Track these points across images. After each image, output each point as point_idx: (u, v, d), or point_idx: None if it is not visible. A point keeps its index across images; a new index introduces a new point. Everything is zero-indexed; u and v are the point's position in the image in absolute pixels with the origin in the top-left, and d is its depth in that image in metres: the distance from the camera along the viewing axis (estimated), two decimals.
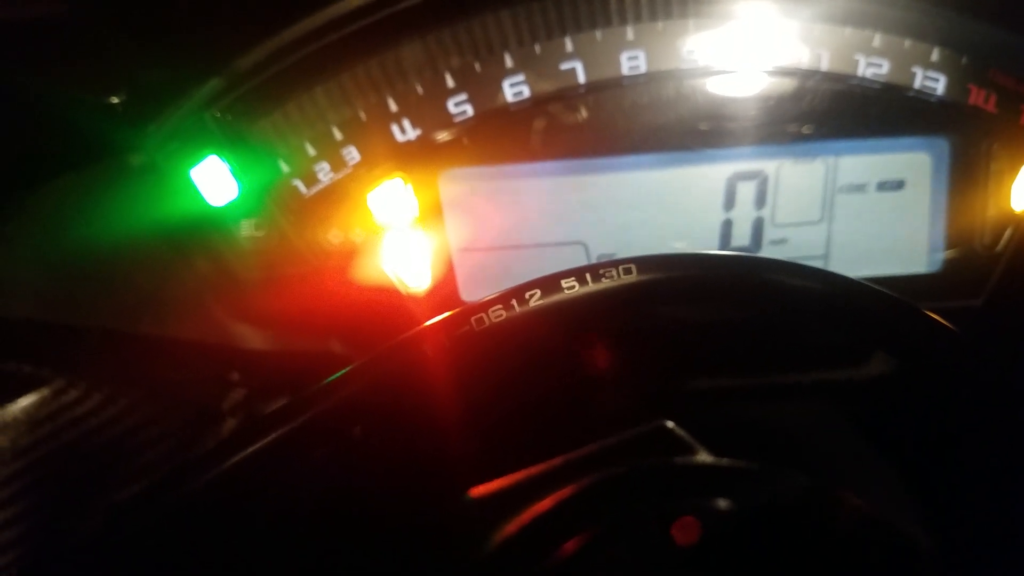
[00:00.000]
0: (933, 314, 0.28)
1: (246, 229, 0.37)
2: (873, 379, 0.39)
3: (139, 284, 0.42)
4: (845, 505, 0.25)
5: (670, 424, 0.25)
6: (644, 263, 0.26)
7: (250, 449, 0.28)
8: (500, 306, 0.26)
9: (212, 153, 0.35)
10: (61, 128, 0.41)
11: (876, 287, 0.27)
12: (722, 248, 0.38)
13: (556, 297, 0.26)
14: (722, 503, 0.23)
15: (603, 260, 0.38)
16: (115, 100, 0.39)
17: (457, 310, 0.26)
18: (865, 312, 0.27)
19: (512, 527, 0.22)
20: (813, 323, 0.30)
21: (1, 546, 0.42)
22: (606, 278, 0.26)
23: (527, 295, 0.26)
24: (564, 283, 0.26)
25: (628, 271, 0.26)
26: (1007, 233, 0.38)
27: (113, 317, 0.42)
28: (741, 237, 0.38)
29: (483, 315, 0.26)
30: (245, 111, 0.36)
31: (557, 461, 0.24)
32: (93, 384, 0.43)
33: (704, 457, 0.23)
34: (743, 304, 0.28)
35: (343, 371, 0.27)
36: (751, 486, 0.24)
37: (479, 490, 0.24)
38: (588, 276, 0.26)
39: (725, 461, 0.23)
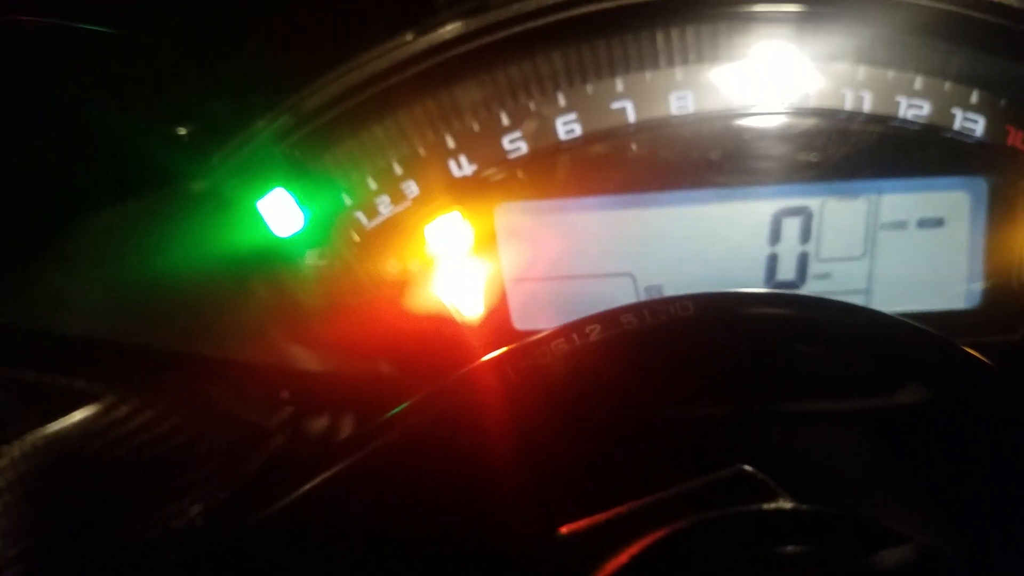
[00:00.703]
0: (969, 350, 0.29)
1: (310, 259, 0.39)
2: (905, 407, 0.40)
3: (197, 307, 0.43)
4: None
5: (749, 468, 0.26)
6: (700, 300, 0.28)
7: (319, 479, 0.30)
8: (562, 339, 0.28)
9: (279, 185, 0.37)
10: (126, 154, 0.43)
11: (915, 323, 0.28)
12: (767, 281, 0.40)
13: (616, 331, 0.28)
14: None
15: (651, 290, 0.39)
16: (182, 131, 0.42)
17: (522, 343, 0.28)
18: (903, 347, 0.29)
19: (606, 569, 0.23)
20: (856, 357, 0.31)
21: (50, 554, 0.44)
22: (664, 315, 0.28)
23: (587, 330, 0.28)
24: (623, 319, 0.28)
25: (685, 308, 0.28)
26: None
27: (170, 337, 0.44)
28: (786, 271, 0.40)
29: (546, 348, 0.27)
30: (311, 146, 0.37)
31: (645, 502, 0.25)
32: (145, 401, 0.45)
33: (786, 503, 0.24)
34: (792, 339, 0.29)
35: (407, 403, 0.28)
36: (834, 532, 0.24)
37: (570, 528, 0.26)
38: (647, 312, 0.28)
39: (807, 507, 0.24)
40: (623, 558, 0.22)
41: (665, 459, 0.31)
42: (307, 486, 0.31)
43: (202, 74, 0.42)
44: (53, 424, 0.44)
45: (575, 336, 0.28)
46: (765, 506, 0.24)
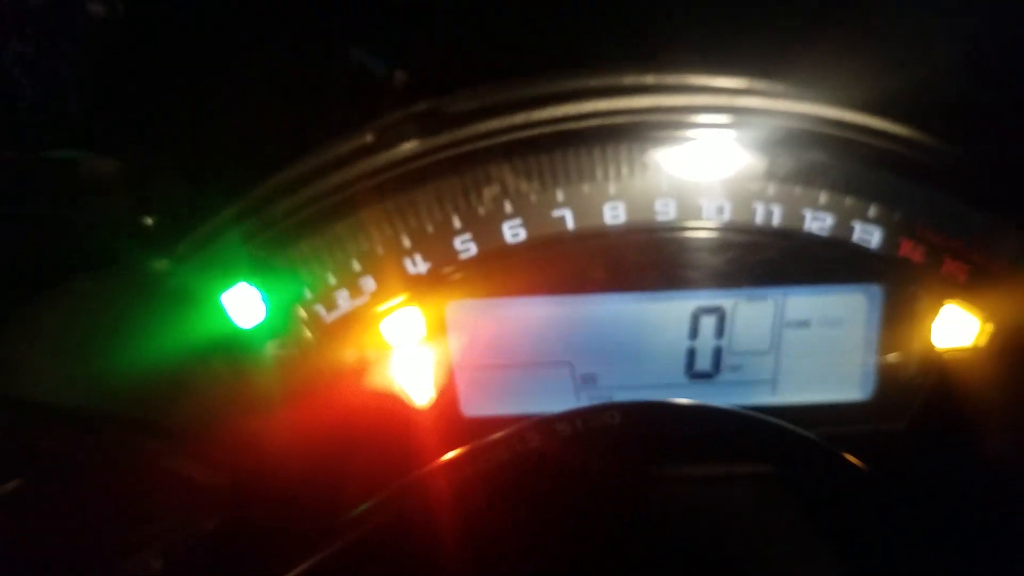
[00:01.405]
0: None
1: (270, 348, 0.42)
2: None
3: (155, 382, 0.45)
4: None
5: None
6: (626, 409, 0.32)
7: None
8: (504, 447, 0.31)
9: (242, 280, 0.40)
10: (94, 237, 0.45)
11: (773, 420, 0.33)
12: (687, 371, 0.44)
13: (550, 439, 0.31)
14: None
15: (587, 377, 0.44)
16: (148, 221, 0.44)
17: (463, 450, 0.31)
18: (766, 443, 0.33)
19: None
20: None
21: None
22: (593, 420, 0.32)
23: (525, 438, 0.32)
24: (558, 427, 0.32)
25: (613, 417, 0.32)
26: (928, 364, 0.44)
27: (128, 407, 0.46)
28: (703, 363, 0.44)
29: (488, 456, 0.31)
30: (274, 243, 0.40)
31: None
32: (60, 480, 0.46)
33: None
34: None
35: (368, 505, 0.32)
36: None
37: None
38: (579, 421, 0.32)
39: None
40: None
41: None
42: None
43: (165, 169, 0.44)
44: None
45: (515, 443, 0.31)
46: None
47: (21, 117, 0.44)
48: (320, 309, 0.41)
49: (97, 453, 0.46)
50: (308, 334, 0.41)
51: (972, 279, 0.43)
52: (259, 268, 0.40)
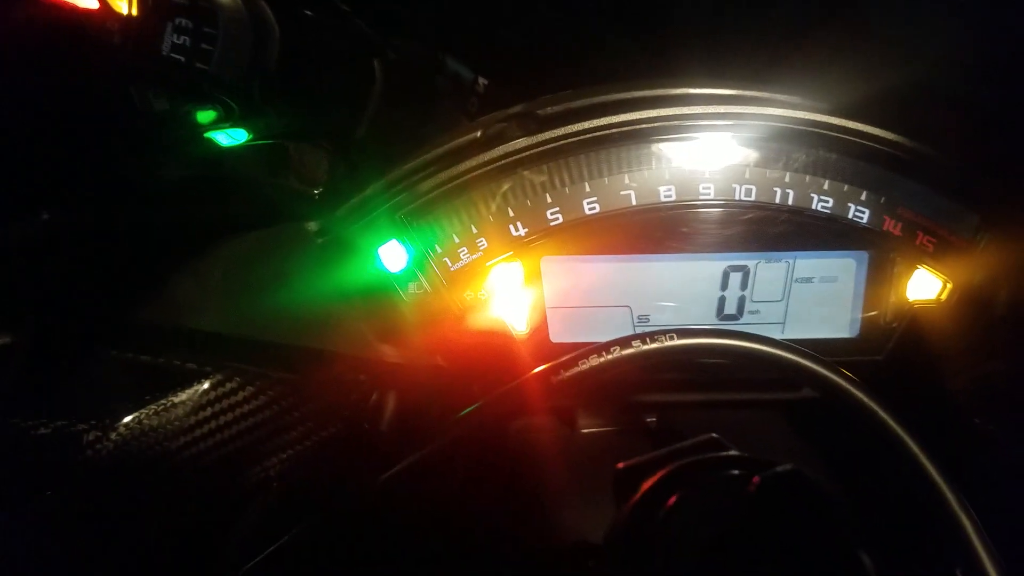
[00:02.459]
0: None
1: (410, 288, 0.56)
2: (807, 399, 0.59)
3: (309, 315, 0.58)
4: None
5: (715, 435, 0.43)
6: (680, 332, 0.45)
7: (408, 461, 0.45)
8: (596, 355, 0.45)
9: (394, 237, 0.54)
10: (267, 201, 0.58)
11: (806, 350, 0.45)
12: (718, 314, 0.58)
13: (628, 351, 0.45)
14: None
15: (642, 317, 0.57)
16: (316, 192, 0.57)
17: (569, 356, 0.45)
18: (800, 366, 0.46)
19: (639, 494, 0.39)
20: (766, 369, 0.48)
21: (169, 508, 0.58)
22: (657, 341, 0.45)
23: (611, 348, 0.45)
24: (634, 343, 0.45)
25: (671, 337, 0.45)
26: (902, 313, 0.58)
27: (280, 336, 0.59)
28: (730, 308, 0.57)
29: (588, 359, 0.45)
30: (415, 211, 0.54)
31: (659, 453, 0.42)
32: (246, 379, 0.60)
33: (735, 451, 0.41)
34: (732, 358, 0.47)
35: (481, 402, 0.45)
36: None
37: (623, 464, 0.42)
38: (647, 339, 0.45)
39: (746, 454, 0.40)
40: (651, 482, 0.39)
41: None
42: (410, 460, 0.47)
43: (330, 153, 0.57)
44: (170, 396, 0.59)
45: (604, 352, 0.45)
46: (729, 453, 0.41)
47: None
48: (447, 260, 0.55)
49: (242, 373, 0.59)
50: (438, 278, 0.55)
51: (938, 249, 0.55)
52: (405, 229, 0.54)
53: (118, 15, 0.40)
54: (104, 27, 0.40)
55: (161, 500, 0.58)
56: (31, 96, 0.44)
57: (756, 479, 0.33)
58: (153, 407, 0.57)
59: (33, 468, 0.56)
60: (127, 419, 0.56)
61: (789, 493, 0.33)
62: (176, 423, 0.57)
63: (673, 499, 0.36)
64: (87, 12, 0.39)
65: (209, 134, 0.48)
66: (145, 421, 0.57)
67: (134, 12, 0.40)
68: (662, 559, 0.35)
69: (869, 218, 0.55)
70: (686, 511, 0.35)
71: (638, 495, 0.38)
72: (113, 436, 0.56)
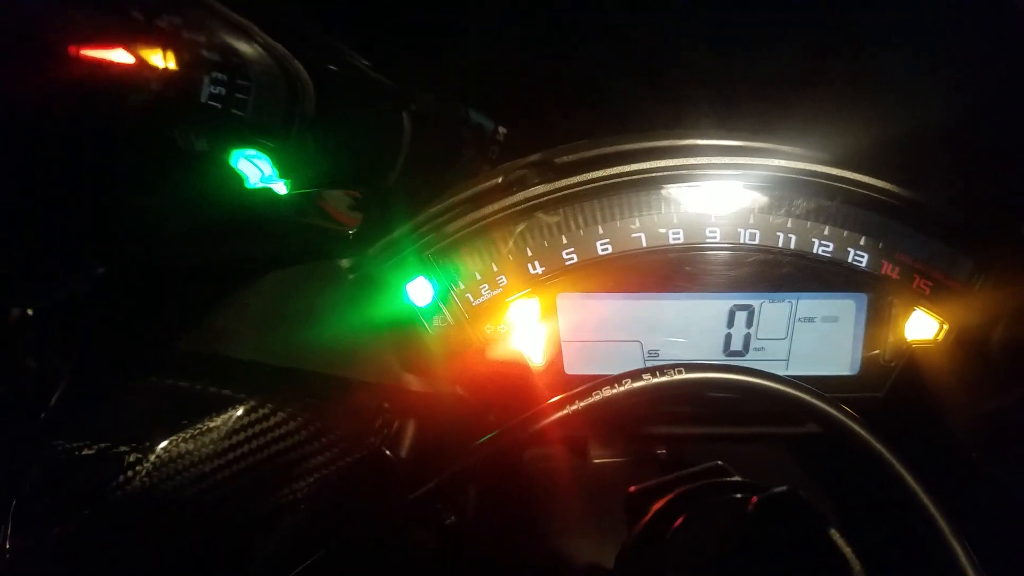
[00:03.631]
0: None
1: (434, 321, 0.59)
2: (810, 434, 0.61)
3: (338, 347, 0.62)
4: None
5: (720, 463, 0.46)
6: (689, 367, 0.48)
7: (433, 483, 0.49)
8: (608, 387, 0.48)
9: (421, 274, 0.58)
10: (300, 240, 0.62)
11: (809, 386, 0.48)
12: (724, 350, 0.61)
13: (639, 384, 0.48)
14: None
15: (652, 352, 0.60)
16: (351, 232, 0.61)
17: (583, 388, 0.48)
18: (803, 401, 0.49)
19: (648, 515, 0.42)
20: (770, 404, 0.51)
21: (200, 529, 0.61)
22: (667, 375, 0.48)
23: (623, 380, 0.48)
24: (644, 376, 0.48)
25: (679, 371, 0.48)
26: (901, 352, 0.60)
27: (311, 364, 0.62)
28: (736, 345, 0.61)
29: (600, 390, 0.48)
30: (442, 251, 0.58)
31: (670, 477, 0.45)
32: (278, 405, 0.63)
33: (739, 478, 0.44)
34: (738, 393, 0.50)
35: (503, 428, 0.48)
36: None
37: (636, 488, 0.45)
38: (657, 372, 0.48)
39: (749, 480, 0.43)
40: (660, 504, 0.42)
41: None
42: (434, 483, 0.50)
43: (363, 197, 0.62)
44: (206, 421, 0.62)
45: (616, 384, 0.48)
46: (733, 479, 0.44)
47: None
48: (469, 296, 0.59)
49: (273, 400, 0.62)
50: (461, 312, 0.59)
51: (935, 291, 0.59)
52: (430, 266, 0.58)
53: (155, 68, 0.44)
54: (143, 77, 0.44)
55: (192, 521, 0.61)
56: (78, 147, 0.48)
57: (754, 499, 0.36)
58: (190, 431, 0.60)
59: (75, 488, 0.59)
60: (164, 443, 0.59)
61: (785, 512, 0.36)
62: (211, 447, 0.61)
63: (680, 520, 0.39)
64: (125, 67, 0.43)
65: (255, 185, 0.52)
66: (181, 444, 0.60)
67: (171, 66, 0.44)
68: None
69: (868, 262, 0.59)
70: (692, 530, 0.38)
71: (648, 516, 0.41)
72: (151, 458, 0.59)
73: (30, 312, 0.49)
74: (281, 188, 0.53)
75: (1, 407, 0.57)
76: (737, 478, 0.44)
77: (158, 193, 0.52)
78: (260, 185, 0.51)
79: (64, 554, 0.57)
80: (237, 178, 0.52)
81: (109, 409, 0.61)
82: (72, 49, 0.41)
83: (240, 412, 0.62)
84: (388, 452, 0.68)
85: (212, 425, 0.62)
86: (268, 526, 0.64)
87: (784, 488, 0.38)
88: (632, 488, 0.45)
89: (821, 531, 0.36)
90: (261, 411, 0.63)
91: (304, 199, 0.61)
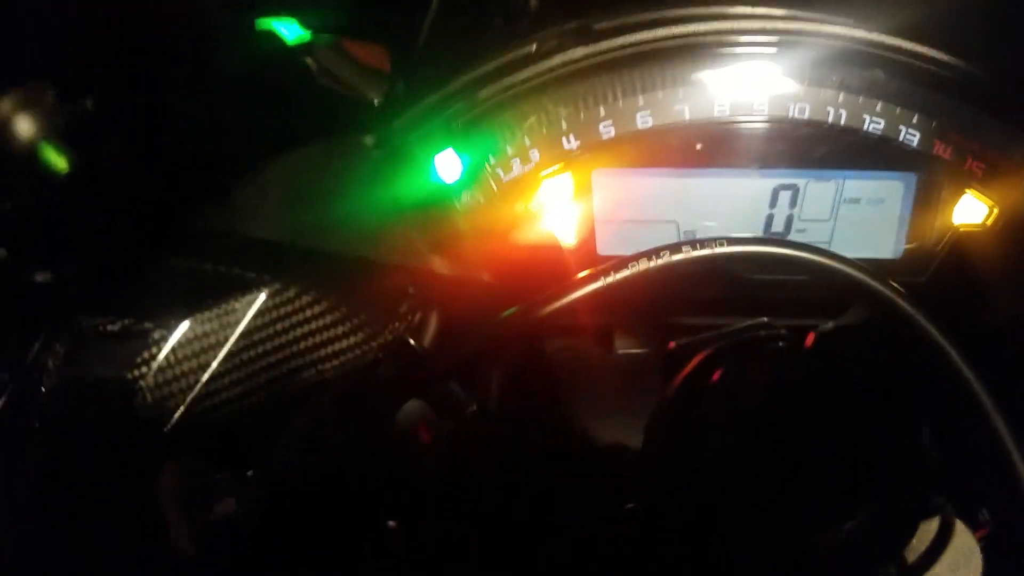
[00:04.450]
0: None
1: (463, 198, 0.57)
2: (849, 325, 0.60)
3: (363, 225, 0.60)
4: None
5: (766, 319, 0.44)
6: (731, 240, 0.46)
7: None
8: (645, 259, 0.46)
9: (449, 146, 0.55)
10: (326, 111, 0.60)
11: (858, 263, 0.46)
12: (765, 232, 0.59)
13: (678, 256, 0.46)
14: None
15: (688, 233, 0.58)
16: (376, 100, 0.59)
17: (618, 260, 0.46)
18: (852, 277, 0.47)
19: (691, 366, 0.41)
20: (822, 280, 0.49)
21: (226, 407, 0.61)
22: (708, 247, 0.46)
23: (662, 253, 0.46)
24: (684, 248, 0.46)
25: (721, 244, 0.46)
26: (946, 236, 0.58)
27: (335, 246, 0.61)
28: (778, 226, 0.58)
29: (640, 261, 0.46)
30: (470, 122, 0.55)
31: (712, 333, 0.43)
32: (303, 288, 0.62)
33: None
34: (783, 267, 0.48)
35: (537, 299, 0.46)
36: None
37: (675, 343, 0.44)
38: (698, 245, 0.46)
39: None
40: (703, 358, 0.41)
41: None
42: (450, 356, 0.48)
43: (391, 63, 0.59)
44: (231, 302, 0.61)
45: (654, 256, 0.46)
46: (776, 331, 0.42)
47: None
48: (500, 171, 0.56)
49: (299, 282, 0.61)
50: (491, 189, 0.57)
51: (987, 174, 0.56)
52: (459, 138, 0.56)
53: None
54: None
55: (221, 397, 0.61)
56: None
57: (811, 334, 0.35)
58: (214, 311, 0.60)
59: (102, 362, 0.58)
60: (188, 321, 0.59)
61: (849, 346, 0.34)
62: (234, 328, 0.60)
63: (718, 374, 0.37)
64: None
65: (269, 25, 0.49)
66: (206, 324, 0.60)
67: None
68: (702, 437, 0.36)
69: (920, 141, 0.56)
70: (732, 384, 0.36)
71: (685, 371, 0.39)
72: (176, 336, 0.59)
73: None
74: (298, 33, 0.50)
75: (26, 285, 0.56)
76: (784, 331, 0.43)
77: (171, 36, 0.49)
78: (282, 33, 0.48)
79: (94, 430, 0.57)
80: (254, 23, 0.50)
81: (131, 288, 0.60)
82: None
83: (264, 295, 0.61)
84: (411, 341, 0.67)
85: (236, 306, 0.61)
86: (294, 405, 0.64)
87: (845, 320, 0.36)
88: (671, 344, 0.43)
89: (886, 368, 0.34)
90: (285, 294, 0.62)
91: (327, 60, 0.58)
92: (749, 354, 0.39)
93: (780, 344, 0.38)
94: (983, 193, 0.57)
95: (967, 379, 0.44)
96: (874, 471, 0.31)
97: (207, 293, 0.60)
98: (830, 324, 0.36)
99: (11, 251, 0.56)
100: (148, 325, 0.59)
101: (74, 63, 0.55)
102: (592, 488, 0.55)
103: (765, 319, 0.44)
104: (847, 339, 0.35)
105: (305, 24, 0.54)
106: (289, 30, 0.51)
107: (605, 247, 0.59)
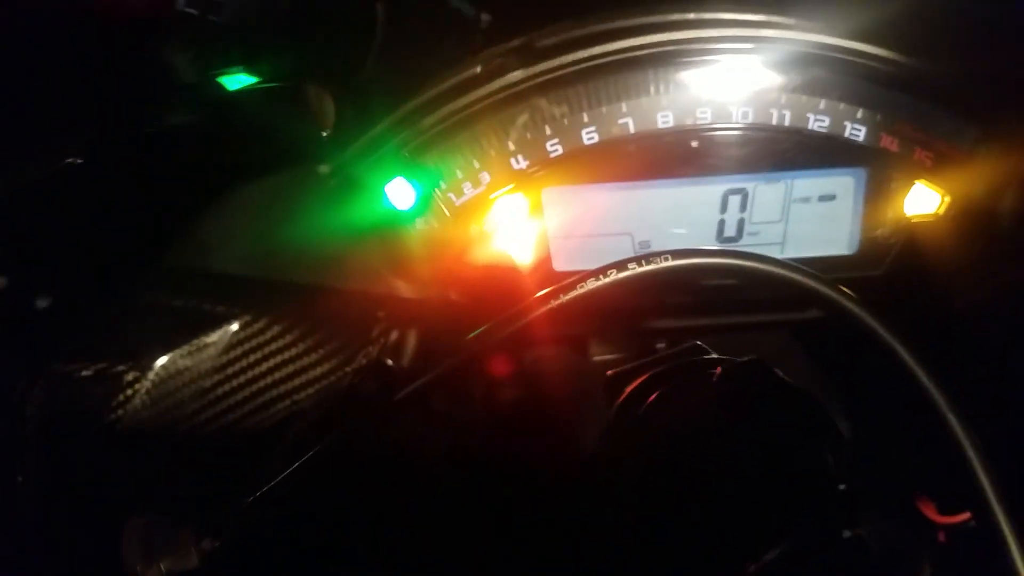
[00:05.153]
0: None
1: (417, 224, 0.58)
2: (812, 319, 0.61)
3: (323, 256, 0.61)
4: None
5: (699, 343, 0.45)
6: (675, 253, 0.47)
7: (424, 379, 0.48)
8: (593, 279, 0.47)
9: (400, 175, 0.56)
10: (277, 143, 0.60)
11: (799, 266, 0.47)
12: (718, 237, 0.59)
13: (625, 273, 0.47)
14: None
15: (642, 244, 0.59)
16: (325, 133, 0.60)
17: (567, 281, 0.47)
18: (790, 279, 0.47)
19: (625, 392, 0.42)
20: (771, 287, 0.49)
21: (205, 444, 0.61)
22: (653, 263, 0.47)
23: (608, 272, 0.47)
24: (630, 265, 0.47)
25: (666, 258, 0.47)
26: (901, 228, 0.59)
27: (298, 276, 0.62)
28: (730, 231, 0.59)
29: (585, 283, 0.47)
30: (419, 148, 0.56)
31: (649, 358, 0.45)
32: (273, 318, 0.63)
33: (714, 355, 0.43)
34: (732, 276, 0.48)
35: (491, 323, 0.47)
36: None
37: (612, 371, 0.45)
38: (643, 261, 0.47)
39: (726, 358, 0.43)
40: (635, 386, 0.42)
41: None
42: (422, 380, 0.50)
43: (336, 94, 0.59)
44: (201, 338, 0.62)
45: (600, 276, 0.47)
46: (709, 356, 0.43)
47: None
48: (452, 195, 0.57)
49: (268, 314, 0.62)
50: (444, 213, 0.58)
51: (936, 163, 0.56)
52: (409, 166, 0.56)
53: None
54: None
55: (197, 436, 0.62)
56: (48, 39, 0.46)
57: (719, 369, 0.36)
58: (186, 348, 0.60)
59: (78, 410, 0.59)
60: (162, 360, 0.59)
61: (752, 382, 0.35)
62: (209, 362, 0.61)
63: (653, 396, 0.38)
64: None
65: (219, 78, 0.50)
66: (179, 361, 0.60)
67: None
68: (643, 451, 0.38)
69: (866, 135, 0.56)
70: (665, 406, 0.37)
71: (623, 395, 0.40)
72: (151, 376, 0.60)
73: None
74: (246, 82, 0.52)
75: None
76: (713, 356, 0.44)
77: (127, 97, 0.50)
78: (228, 84, 0.49)
79: (73, 477, 0.58)
80: (204, 78, 0.50)
81: (101, 330, 0.61)
82: None
83: (235, 327, 0.62)
84: (389, 361, 0.68)
85: (208, 341, 0.61)
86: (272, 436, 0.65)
87: (749, 357, 0.37)
88: (609, 372, 0.44)
89: (790, 395, 0.35)
90: (256, 325, 0.63)
91: (276, 100, 0.59)
92: (680, 381, 0.40)
93: (708, 372, 0.39)
94: (933, 182, 0.57)
95: (920, 379, 0.45)
96: (785, 501, 0.32)
97: (178, 330, 0.61)
98: (744, 358, 0.36)
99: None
100: (122, 367, 0.59)
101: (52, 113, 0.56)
102: (549, 493, 0.56)
103: (697, 343, 0.45)
104: (757, 373, 0.36)
105: (253, 72, 0.55)
106: (235, 80, 0.51)
107: (561, 263, 0.59)
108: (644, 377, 0.42)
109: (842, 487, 0.34)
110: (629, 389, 0.41)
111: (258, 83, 0.53)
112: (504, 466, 0.61)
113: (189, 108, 0.53)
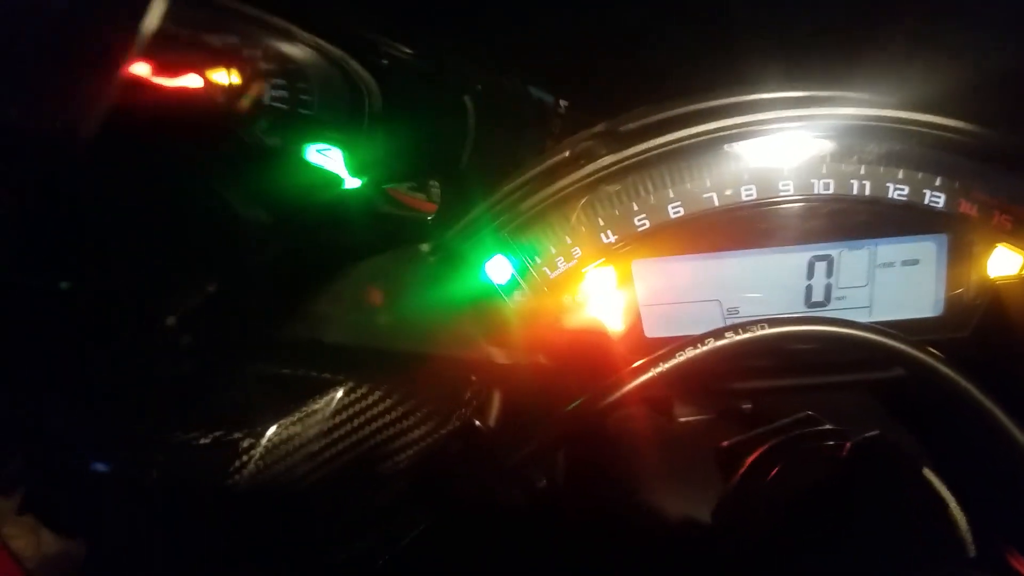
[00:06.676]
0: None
1: (514, 296, 0.61)
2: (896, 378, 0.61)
3: (426, 326, 0.65)
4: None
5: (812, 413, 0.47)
6: (771, 322, 0.49)
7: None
8: (692, 347, 0.50)
9: (498, 252, 0.60)
10: (387, 227, 0.65)
11: (892, 331, 0.48)
12: (806, 302, 0.61)
13: (722, 342, 0.49)
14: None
15: (731, 311, 0.61)
16: (430, 217, 0.64)
17: (666, 350, 0.50)
18: (886, 346, 0.49)
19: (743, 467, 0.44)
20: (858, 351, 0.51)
21: (313, 513, 0.65)
22: (750, 331, 0.49)
23: (707, 340, 0.49)
24: (727, 334, 0.49)
25: (763, 327, 0.49)
26: (984, 290, 0.60)
27: (400, 343, 0.66)
28: (817, 296, 0.60)
29: (684, 351, 0.49)
30: (515, 228, 0.60)
31: (762, 429, 0.46)
32: (375, 384, 0.66)
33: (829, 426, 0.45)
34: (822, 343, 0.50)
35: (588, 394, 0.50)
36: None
37: (727, 443, 0.47)
38: (740, 330, 0.49)
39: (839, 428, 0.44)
40: (754, 456, 0.43)
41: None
42: (526, 450, 0.52)
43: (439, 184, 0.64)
44: (309, 404, 0.66)
45: (699, 344, 0.50)
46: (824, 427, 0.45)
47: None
48: (546, 269, 0.61)
49: (370, 379, 0.66)
50: (539, 286, 0.61)
51: (1015, 226, 0.58)
52: (507, 244, 0.60)
53: (221, 86, 0.48)
54: (212, 94, 0.48)
55: (306, 501, 0.65)
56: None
57: (847, 444, 0.38)
58: (296, 415, 0.64)
59: (197, 478, 0.63)
60: (274, 427, 0.63)
61: (878, 455, 0.37)
62: (316, 428, 0.64)
63: (775, 470, 0.40)
64: (195, 91, 0.47)
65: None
66: (290, 428, 0.64)
67: (235, 82, 0.48)
68: (768, 525, 0.39)
69: (945, 202, 0.58)
70: (788, 479, 0.39)
71: (743, 468, 0.42)
72: (263, 442, 0.64)
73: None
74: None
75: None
76: (828, 426, 0.45)
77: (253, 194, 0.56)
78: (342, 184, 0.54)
79: (193, 539, 0.62)
80: (321, 177, 0.56)
81: (218, 400, 0.65)
82: (152, 81, 0.45)
83: (340, 393, 0.65)
84: (477, 423, 0.71)
85: (316, 407, 0.65)
86: (373, 499, 0.68)
87: (875, 433, 0.39)
88: (723, 443, 0.46)
89: (914, 472, 0.37)
90: (360, 391, 0.66)
91: (382, 193, 0.64)
92: (797, 453, 0.42)
93: (824, 443, 0.41)
94: (1015, 245, 0.59)
95: (1014, 436, 0.46)
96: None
97: (288, 397, 0.65)
98: (864, 435, 0.38)
99: None
100: (237, 435, 0.63)
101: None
102: (659, 561, 0.57)
103: (809, 413, 0.47)
104: (880, 447, 0.38)
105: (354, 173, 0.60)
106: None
107: (652, 330, 0.62)
108: (763, 449, 0.43)
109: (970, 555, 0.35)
110: (749, 461, 0.43)
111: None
112: (602, 533, 0.63)
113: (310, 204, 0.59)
